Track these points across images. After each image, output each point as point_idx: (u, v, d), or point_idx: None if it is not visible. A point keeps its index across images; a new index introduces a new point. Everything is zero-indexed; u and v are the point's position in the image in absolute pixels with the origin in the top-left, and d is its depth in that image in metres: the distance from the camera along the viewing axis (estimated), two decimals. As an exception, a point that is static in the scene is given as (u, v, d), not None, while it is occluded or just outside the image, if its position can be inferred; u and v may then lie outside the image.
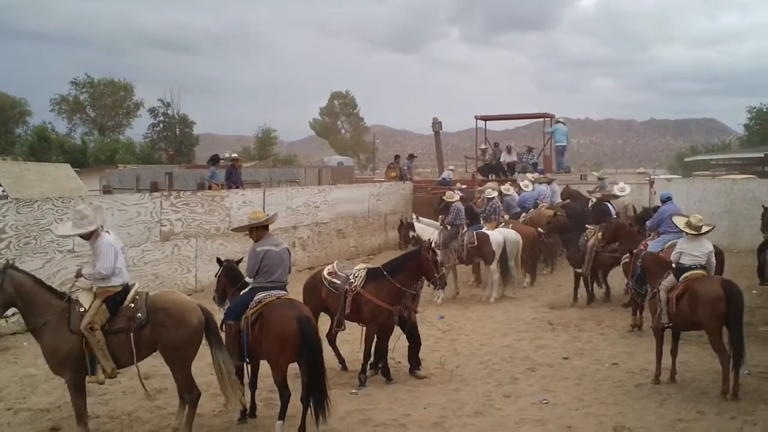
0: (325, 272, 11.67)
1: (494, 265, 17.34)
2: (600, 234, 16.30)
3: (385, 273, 11.09)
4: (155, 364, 12.02)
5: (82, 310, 8.46)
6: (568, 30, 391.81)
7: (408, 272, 11.06)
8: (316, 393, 8.73)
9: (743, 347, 9.98)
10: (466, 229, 17.75)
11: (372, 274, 11.20)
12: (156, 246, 17.23)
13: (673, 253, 11.13)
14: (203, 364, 11.36)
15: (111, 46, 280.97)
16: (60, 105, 78.02)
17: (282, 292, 9.25)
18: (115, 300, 8.63)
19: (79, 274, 8.84)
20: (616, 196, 21.24)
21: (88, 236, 8.78)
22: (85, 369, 8.45)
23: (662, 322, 10.79)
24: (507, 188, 22.56)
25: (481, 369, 11.90)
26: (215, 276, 10.40)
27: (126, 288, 8.81)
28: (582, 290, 16.71)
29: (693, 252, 10.73)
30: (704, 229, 10.97)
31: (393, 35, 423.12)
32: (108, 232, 9.01)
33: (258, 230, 9.54)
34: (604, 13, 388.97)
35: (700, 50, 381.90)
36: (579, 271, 16.79)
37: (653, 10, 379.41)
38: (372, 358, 11.34)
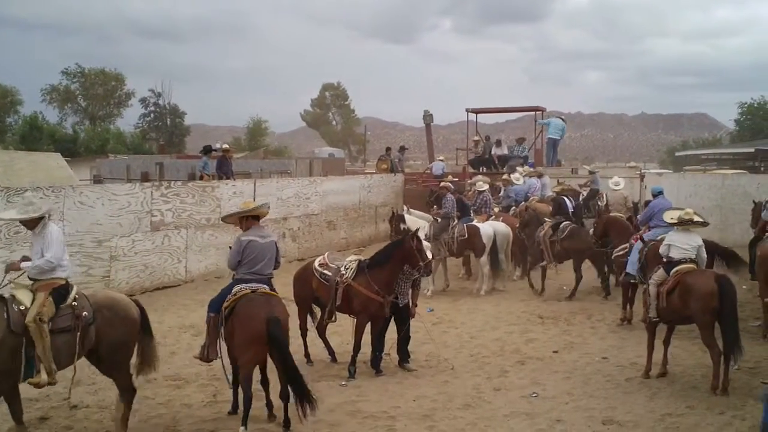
0: (316, 263, 11.65)
1: (484, 258, 17.34)
2: (551, 227, 17.19)
3: (373, 265, 11.11)
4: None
5: (22, 308, 7.84)
6: (561, 22, 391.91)
7: (395, 262, 11.05)
8: (295, 391, 8.63)
9: (739, 342, 9.94)
10: (456, 221, 17.75)
11: (363, 266, 11.20)
12: (146, 236, 17.18)
13: (662, 245, 11.11)
14: (192, 355, 11.35)
15: (101, 35, 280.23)
16: (51, 94, 77.59)
17: (260, 285, 9.00)
18: (59, 293, 8.16)
19: (11, 268, 8.29)
20: (574, 191, 21.39)
21: (34, 224, 8.32)
22: (17, 375, 7.84)
23: (650, 316, 10.80)
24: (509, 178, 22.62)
25: (471, 362, 11.91)
26: None
27: (67, 284, 8.36)
28: (573, 283, 16.85)
29: (682, 245, 10.70)
30: (696, 219, 10.98)
31: (384, 25, 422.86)
32: (54, 222, 8.67)
33: (247, 221, 9.38)
34: (597, 5, 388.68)
35: (693, 44, 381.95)
36: (542, 264, 17.34)
37: (646, 2, 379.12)
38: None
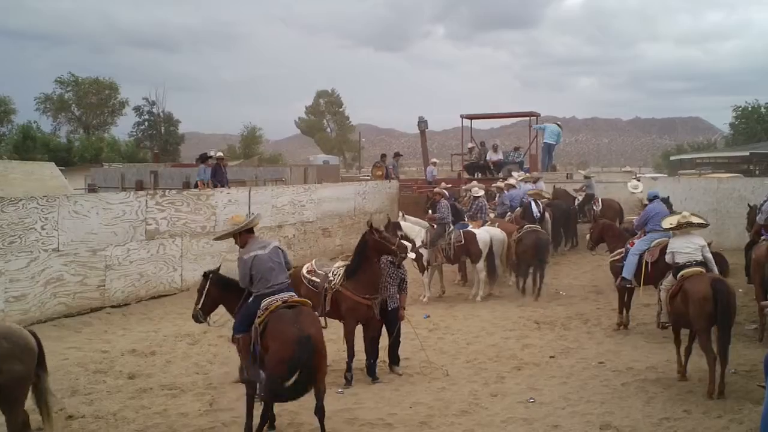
0: (304, 270, 11.62)
1: (480, 264, 17.34)
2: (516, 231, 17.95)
3: (353, 269, 11.13)
4: (140, 363, 12.01)
5: None
6: (553, 28, 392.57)
7: (370, 257, 11.07)
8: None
9: (727, 347, 9.96)
10: (452, 227, 17.74)
11: (347, 272, 11.21)
12: (141, 245, 17.12)
13: (666, 254, 11.12)
14: (188, 364, 11.30)
15: (95, 46, 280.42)
16: (45, 104, 77.57)
17: (287, 295, 8.77)
18: None
19: None
20: (541, 196, 21.52)
21: None
22: None
23: (663, 322, 10.82)
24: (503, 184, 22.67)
25: (468, 368, 11.87)
26: (199, 291, 9.69)
27: None
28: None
29: (684, 249, 10.69)
30: (694, 220, 10.98)
31: (378, 33, 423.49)
32: None
33: (242, 235, 9.15)
34: (589, 11, 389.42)
35: (686, 48, 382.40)
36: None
37: (638, 7, 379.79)
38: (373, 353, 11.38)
